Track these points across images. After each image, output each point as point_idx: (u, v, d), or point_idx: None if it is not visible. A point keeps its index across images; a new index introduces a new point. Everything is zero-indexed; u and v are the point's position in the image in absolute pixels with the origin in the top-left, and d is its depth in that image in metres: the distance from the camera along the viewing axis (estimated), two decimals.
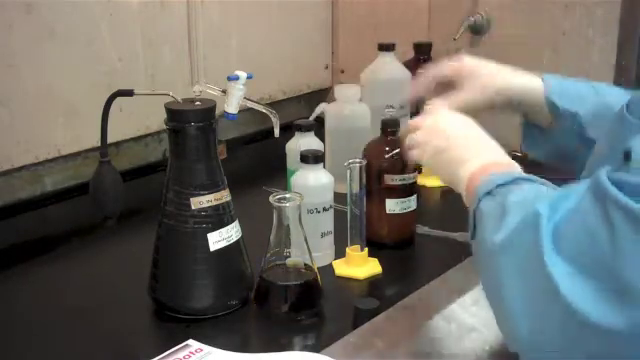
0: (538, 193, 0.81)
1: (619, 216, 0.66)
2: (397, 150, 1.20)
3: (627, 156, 0.70)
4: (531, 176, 0.87)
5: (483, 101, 1.11)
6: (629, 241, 0.65)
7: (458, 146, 0.97)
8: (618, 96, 1.06)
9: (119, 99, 1.12)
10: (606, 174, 0.69)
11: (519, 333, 0.73)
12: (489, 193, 0.85)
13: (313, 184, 1.20)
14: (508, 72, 1.13)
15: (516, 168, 0.91)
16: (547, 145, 1.14)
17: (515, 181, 0.85)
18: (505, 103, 1.12)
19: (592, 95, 1.10)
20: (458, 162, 0.95)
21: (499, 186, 0.84)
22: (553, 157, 1.15)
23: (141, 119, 1.49)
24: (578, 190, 0.73)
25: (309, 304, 1.07)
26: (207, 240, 1.05)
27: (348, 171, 1.18)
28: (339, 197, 1.25)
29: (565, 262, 0.69)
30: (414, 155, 1.03)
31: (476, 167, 0.92)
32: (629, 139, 0.71)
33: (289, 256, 1.08)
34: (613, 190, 0.67)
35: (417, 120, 1.06)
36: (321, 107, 1.52)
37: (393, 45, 1.61)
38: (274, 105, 1.62)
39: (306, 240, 1.08)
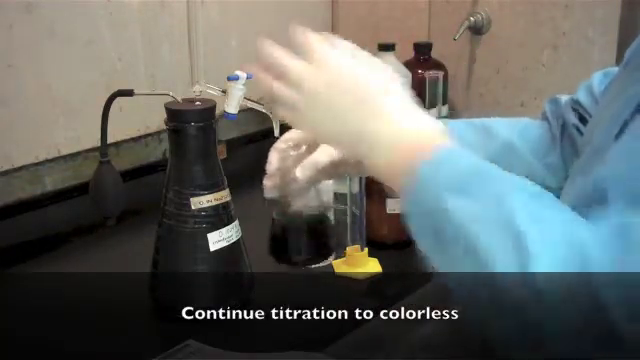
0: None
1: None
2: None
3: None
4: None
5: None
6: None
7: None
8: (508, 127, 1.01)
9: (119, 99, 1.12)
10: None
11: None
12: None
13: None
14: None
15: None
16: None
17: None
18: None
19: (484, 139, 1.00)
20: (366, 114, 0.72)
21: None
22: None
23: (141, 119, 1.49)
24: None
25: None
26: (207, 240, 1.05)
27: None
28: (339, 197, 1.25)
29: None
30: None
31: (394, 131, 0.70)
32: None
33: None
34: None
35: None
36: None
37: (393, 45, 1.61)
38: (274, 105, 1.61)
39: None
